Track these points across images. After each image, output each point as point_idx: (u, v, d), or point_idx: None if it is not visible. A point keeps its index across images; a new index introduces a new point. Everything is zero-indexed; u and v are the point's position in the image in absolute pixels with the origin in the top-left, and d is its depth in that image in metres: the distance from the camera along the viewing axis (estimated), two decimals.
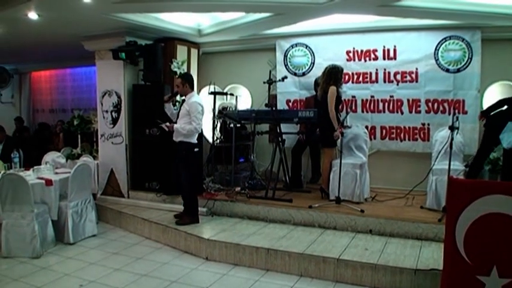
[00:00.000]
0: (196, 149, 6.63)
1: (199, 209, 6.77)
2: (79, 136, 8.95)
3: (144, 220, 6.89)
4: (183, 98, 6.69)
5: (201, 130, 6.75)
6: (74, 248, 6.34)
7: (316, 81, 7.81)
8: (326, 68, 6.99)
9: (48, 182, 6.35)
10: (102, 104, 8.29)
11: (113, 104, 8.13)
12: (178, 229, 6.24)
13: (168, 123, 6.45)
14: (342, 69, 7.05)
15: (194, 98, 6.59)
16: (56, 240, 6.41)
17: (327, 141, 6.95)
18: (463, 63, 7.21)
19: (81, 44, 8.28)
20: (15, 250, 5.88)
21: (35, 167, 6.95)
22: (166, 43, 8.23)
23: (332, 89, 6.77)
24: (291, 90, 8.56)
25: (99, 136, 8.42)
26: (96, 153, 8.56)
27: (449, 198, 3.92)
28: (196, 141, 6.58)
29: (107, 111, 8.22)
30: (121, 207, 7.64)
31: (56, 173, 6.94)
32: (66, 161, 8.24)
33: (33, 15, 6.54)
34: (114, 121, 8.16)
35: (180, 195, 6.85)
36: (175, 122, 6.51)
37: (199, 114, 6.43)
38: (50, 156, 8.15)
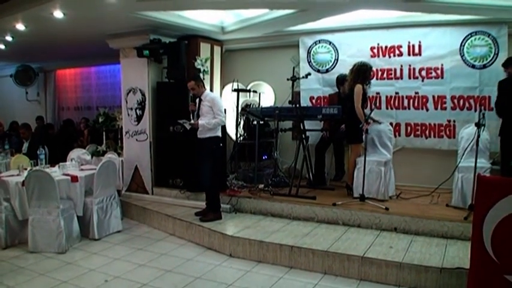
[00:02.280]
0: (221, 143, 6.76)
1: (223, 205, 6.79)
2: (104, 133, 9.04)
3: (168, 216, 6.94)
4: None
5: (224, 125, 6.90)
6: (98, 243, 6.41)
7: (337, 79, 7.79)
8: (354, 65, 6.91)
9: (74, 179, 6.44)
10: (126, 102, 8.36)
11: (137, 101, 8.19)
12: (202, 226, 6.27)
13: (192, 121, 6.49)
14: (371, 67, 6.97)
15: (212, 94, 6.81)
16: (81, 236, 6.49)
17: (354, 138, 6.91)
18: (489, 59, 7.10)
19: (106, 42, 8.36)
20: (41, 245, 5.98)
21: (61, 164, 7.03)
22: (190, 41, 8.25)
23: (358, 87, 6.71)
24: (314, 87, 8.54)
25: (124, 133, 8.50)
26: (121, 150, 8.65)
27: (477, 196, 3.86)
28: (220, 135, 6.68)
29: (131, 109, 8.29)
30: (145, 204, 7.72)
31: (82, 170, 7.03)
32: (92, 157, 8.34)
33: (58, 14, 6.62)
34: (139, 118, 8.22)
35: (204, 192, 6.88)
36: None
37: (222, 107, 6.56)
38: (76, 153, 8.25)
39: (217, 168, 6.75)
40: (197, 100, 6.63)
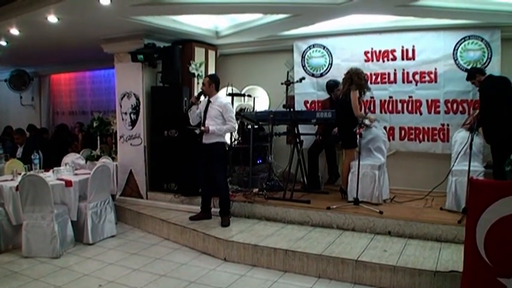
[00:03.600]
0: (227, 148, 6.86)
1: (217, 209, 6.76)
2: (98, 138, 9.03)
3: (163, 221, 6.93)
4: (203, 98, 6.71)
5: None
6: (93, 248, 6.39)
7: (327, 85, 7.85)
8: (349, 71, 6.92)
9: (68, 183, 6.42)
10: (121, 106, 8.35)
11: (132, 105, 8.18)
12: (197, 230, 6.26)
13: (202, 127, 6.44)
14: (365, 74, 7.00)
15: (223, 99, 6.76)
16: (75, 241, 6.47)
17: (348, 143, 6.93)
18: (482, 63, 7.12)
19: (100, 47, 8.35)
20: (35, 250, 5.95)
21: (55, 168, 7.02)
22: (184, 45, 8.26)
23: (354, 93, 6.73)
24: (308, 91, 8.56)
25: (118, 138, 8.48)
26: (115, 155, 8.63)
27: (470, 200, 3.88)
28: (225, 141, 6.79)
29: (125, 113, 8.28)
30: (140, 208, 7.70)
31: (76, 174, 7.00)
32: (86, 162, 8.32)
33: (53, 19, 6.62)
34: (133, 123, 8.21)
35: (201, 196, 6.88)
36: (203, 123, 6.52)
37: (234, 113, 6.61)
38: (70, 158, 8.22)
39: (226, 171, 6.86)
40: (205, 99, 6.62)
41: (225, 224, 6.47)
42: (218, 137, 6.49)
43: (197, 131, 6.52)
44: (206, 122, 6.47)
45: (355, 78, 6.78)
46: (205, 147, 6.53)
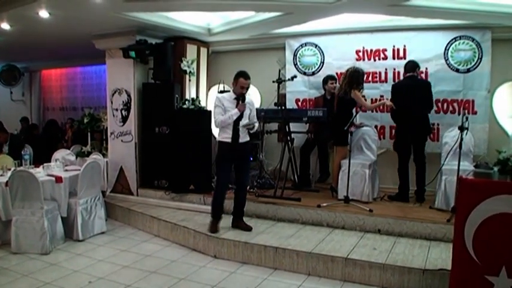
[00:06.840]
0: None
1: (208, 207, 6.70)
2: (89, 134, 9.00)
3: (153, 218, 6.93)
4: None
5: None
6: (82, 244, 6.38)
7: (324, 80, 7.82)
8: (347, 70, 6.98)
9: (58, 179, 6.41)
10: (112, 102, 8.32)
11: (123, 102, 8.15)
12: (187, 227, 6.27)
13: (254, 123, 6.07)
14: (363, 73, 7.04)
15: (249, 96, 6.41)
16: (65, 237, 6.46)
17: (340, 140, 6.95)
18: (473, 63, 7.17)
19: (92, 43, 8.31)
20: (24, 246, 5.93)
21: (45, 164, 6.99)
22: (176, 42, 8.24)
23: (356, 93, 6.80)
24: (300, 90, 8.56)
25: (109, 134, 8.46)
26: (106, 151, 8.60)
27: (459, 198, 3.91)
28: None
29: (116, 110, 8.25)
30: (130, 205, 7.69)
31: (66, 170, 7.00)
32: (76, 158, 8.29)
33: (44, 14, 6.56)
34: (124, 119, 8.18)
35: (219, 203, 6.27)
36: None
37: None
38: (60, 154, 8.20)
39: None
40: (229, 96, 6.11)
41: (249, 227, 6.17)
42: (248, 136, 6.20)
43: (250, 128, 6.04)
44: (240, 122, 5.98)
45: (355, 77, 6.82)
46: (240, 148, 6.02)
